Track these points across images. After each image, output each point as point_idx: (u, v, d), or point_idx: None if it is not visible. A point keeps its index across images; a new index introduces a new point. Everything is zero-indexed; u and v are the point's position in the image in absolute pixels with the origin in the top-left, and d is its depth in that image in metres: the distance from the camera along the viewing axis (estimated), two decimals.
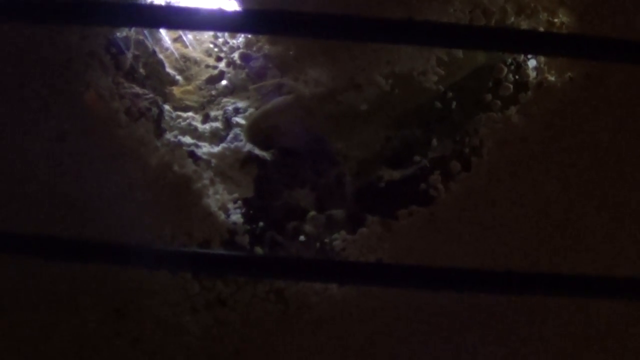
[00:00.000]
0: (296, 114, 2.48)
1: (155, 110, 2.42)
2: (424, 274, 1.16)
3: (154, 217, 2.21)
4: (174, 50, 2.72)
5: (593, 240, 2.20)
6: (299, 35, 1.15)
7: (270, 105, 2.57)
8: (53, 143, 2.13)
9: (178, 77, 2.70)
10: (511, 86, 2.36)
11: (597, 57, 1.19)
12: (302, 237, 2.44)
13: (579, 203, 2.18)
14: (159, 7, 1.89)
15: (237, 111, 2.61)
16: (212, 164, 2.48)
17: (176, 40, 2.75)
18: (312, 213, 2.47)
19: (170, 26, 2.04)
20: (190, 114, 2.65)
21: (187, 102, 2.69)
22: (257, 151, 2.55)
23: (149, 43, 2.58)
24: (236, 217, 2.38)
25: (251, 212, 2.43)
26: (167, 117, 2.53)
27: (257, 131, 2.54)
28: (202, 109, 2.69)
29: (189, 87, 2.73)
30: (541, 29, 2.22)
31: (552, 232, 2.20)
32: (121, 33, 2.37)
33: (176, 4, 2.49)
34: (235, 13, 1.54)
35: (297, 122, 2.49)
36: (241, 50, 2.63)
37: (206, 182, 2.33)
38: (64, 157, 2.14)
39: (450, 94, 2.43)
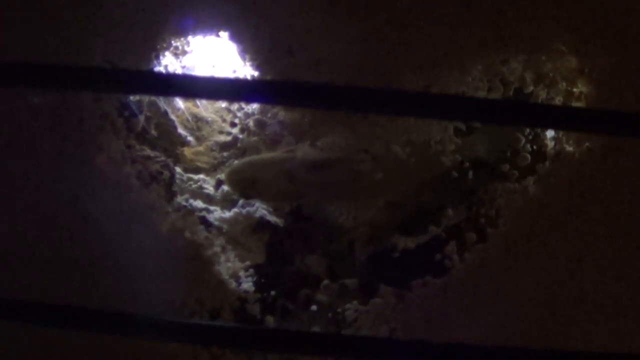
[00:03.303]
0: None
1: (166, 173, 2.41)
2: (435, 350, 1.13)
3: (164, 284, 2.18)
4: (185, 111, 2.71)
5: (610, 314, 2.16)
6: (314, 107, 1.13)
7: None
8: (64, 207, 2.11)
9: (189, 138, 2.69)
10: (529, 156, 2.34)
11: (616, 132, 1.17)
12: (314, 307, 2.40)
13: (596, 275, 2.14)
14: (174, 75, 1.88)
15: None
16: (224, 230, 2.46)
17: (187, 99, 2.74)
18: (326, 282, 2.43)
19: (185, 95, 2.03)
20: (201, 176, 2.63)
21: (198, 164, 2.67)
22: (268, 217, 2.53)
23: (161, 104, 2.57)
24: (247, 285, 2.34)
25: (262, 280, 2.39)
26: (178, 180, 2.51)
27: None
28: (213, 170, 2.67)
29: (200, 148, 2.71)
30: (560, 99, 2.20)
31: (569, 305, 2.16)
32: (134, 96, 2.37)
33: (191, 72, 2.47)
34: (249, 82, 1.53)
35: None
36: (256, 117, 2.61)
37: (217, 249, 2.31)
38: (74, 221, 2.12)
39: (467, 163, 2.41)
